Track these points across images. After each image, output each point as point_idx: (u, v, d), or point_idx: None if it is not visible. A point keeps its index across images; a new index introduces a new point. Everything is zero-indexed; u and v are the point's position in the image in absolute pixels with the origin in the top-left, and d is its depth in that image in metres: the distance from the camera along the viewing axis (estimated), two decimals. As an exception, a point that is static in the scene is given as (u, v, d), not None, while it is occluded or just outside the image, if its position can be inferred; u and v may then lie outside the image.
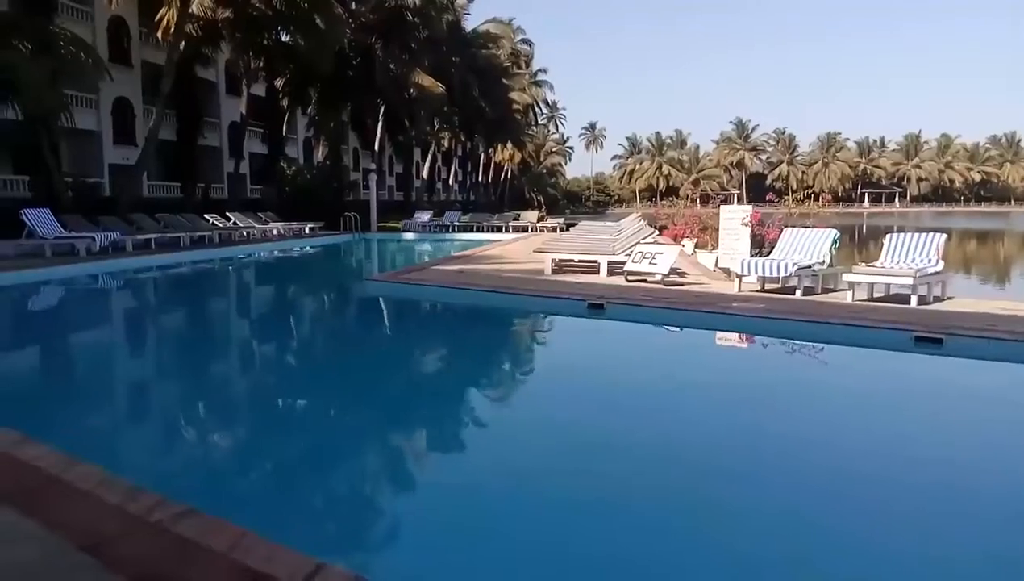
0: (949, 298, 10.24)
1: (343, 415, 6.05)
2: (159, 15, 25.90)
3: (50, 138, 22.06)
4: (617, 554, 3.36)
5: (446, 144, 59.70)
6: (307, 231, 27.05)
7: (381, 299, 12.40)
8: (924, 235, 10.70)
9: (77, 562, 2.53)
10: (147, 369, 8.12)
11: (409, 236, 30.17)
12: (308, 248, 24.57)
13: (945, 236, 10.67)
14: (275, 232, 25.64)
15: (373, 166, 37.87)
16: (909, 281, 9.48)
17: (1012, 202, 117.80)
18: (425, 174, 54.96)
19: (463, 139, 59.65)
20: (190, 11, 25.48)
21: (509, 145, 64.85)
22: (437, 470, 4.71)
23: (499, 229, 31.55)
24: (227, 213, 25.56)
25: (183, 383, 7.28)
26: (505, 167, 72.75)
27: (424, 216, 33.36)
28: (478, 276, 12.85)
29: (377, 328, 11.00)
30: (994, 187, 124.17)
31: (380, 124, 40.04)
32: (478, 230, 31.37)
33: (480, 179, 71.93)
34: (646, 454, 4.76)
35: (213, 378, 7.54)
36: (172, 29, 24.85)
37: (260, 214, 27.30)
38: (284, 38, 30.98)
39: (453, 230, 31.43)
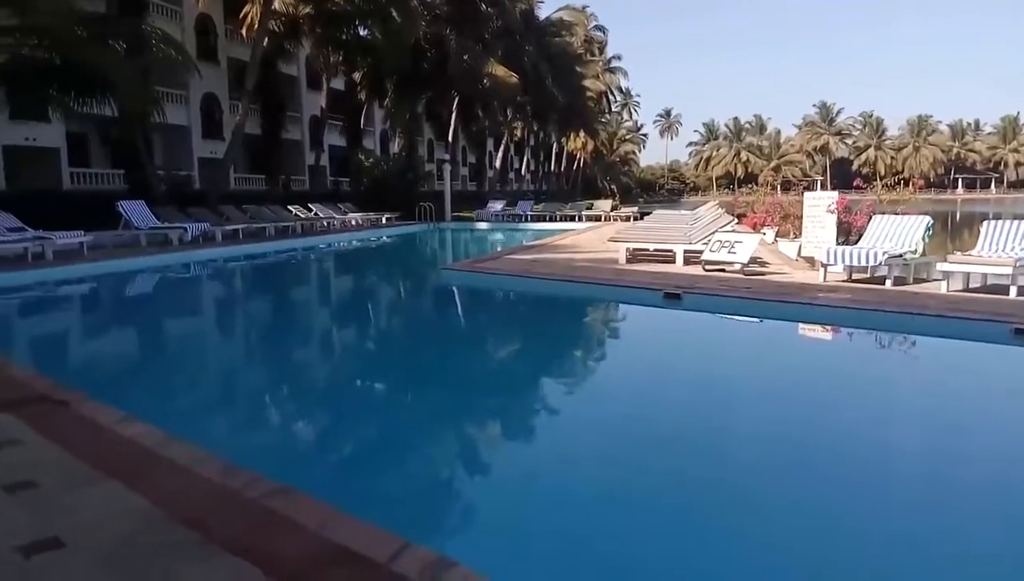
0: (1055, 289, 9.60)
1: (420, 400, 6.17)
2: (243, 12, 26.84)
3: (144, 133, 23.22)
4: (683, 552, 3.31)
5: (519, 134, 59.73)
6: (384, 221, 27.61)
7: (456, 287, 12.56)
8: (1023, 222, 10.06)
9: (179, 534, 2.67)
10: (237, 353, 8.50)
11: (482, 226, 30.36)
12: (385, 238, 25.09)
13: (1049, 223, 9.99)
14: (354, 222, 26.30)
15: (447, 156, 38.36)
16: (1009, 270, 8.93)
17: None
18: (498, 164, 55.20)
19: (535, 128, 59.55)
20: (273, 7, 26.32)
21: (582, 133, 64.32)
22: (508, 459, 4.75)
23: (572, 218, 31.36)
24: (309, 204, 26.35)
25: (272, 367, 7.58)
26: (578, 156, 72.20)
27: (497, 205, 33.50)
28: (551, 265, 12.84)
29: (454, 316, 11.15)
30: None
31: (454, 115, 40.44)
32: (550, 220, 31.26)
33: (552, 168, 71.70)
34: (721, 450, 4.66)
35: (299, 362, 7.82)
36: (256, 25, 25.75)
37: (340, 205, 28.03)
38: (362, 32, 31.64)
39: (525, 220, 31.43)
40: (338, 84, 36.95)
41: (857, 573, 3.12)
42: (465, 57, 36.58)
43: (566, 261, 13.75)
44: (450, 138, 41.91)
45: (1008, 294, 8.96)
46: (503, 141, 54.72)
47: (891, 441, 4.85)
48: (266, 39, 26.57)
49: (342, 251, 21.56)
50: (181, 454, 3.45)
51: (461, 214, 32.94)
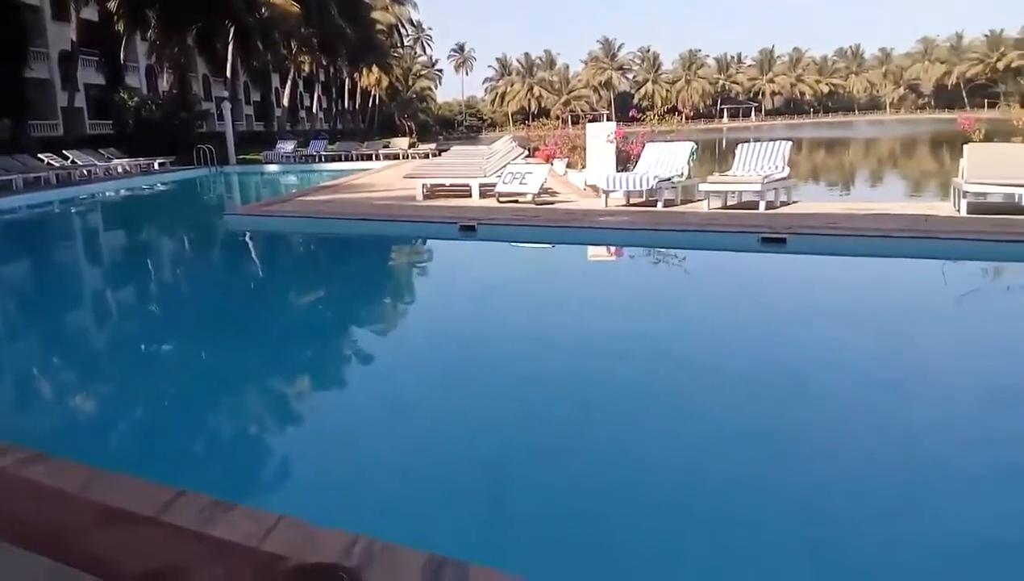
0: (795, 202, 11.02)
1: (210, 355, 5.82)
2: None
3: None
4: (500, 479, 3.48)
5: (307, 69, 56.47)
6: (156, 167, 25.18)
7: (243, 234, 11.84)
8: (771, 144, 11.35)
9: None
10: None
11: (272, 168, 28.80)
12: (159, 185, 22.91)
13: (791, 143, 11.36)
14: (120, 169, 23.69)
15: (226, 94, 35.42)
16: (757, 187, 10.10)
17: (856, 112, 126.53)
18: (286, 102, 52.00)
19: (325, 63, 56.59)
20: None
21: (375, 69, 62.24)
22: (315, 409, 4.67)
23: (369, 157, 30.65)
24: (64, 151, 23.26)
25: (43, 336, 6.74)
26: (372, 92, 69.86)
27: (287, 146, 31.85)
28: (347, 205, 12.51)
29: (240, 265, 10.54)
30: (840, 98, 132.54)
31: (231, 48, 37.20)
32: (346, 159, 30.40)
33: (347, 106, 68.93)
34: (525, 369, 4.90)
35: (68, 329, 7.01)
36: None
37: (102, 151, 25.06)
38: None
39: (320, 160, 30.27)
40: (91, 14, 32.41)
41: (621, 482, 3.46)
42: (239, -17, 33.59)
43: (363, 200, 13.46)
44: (228, 74, 38.64)
45: (758, 208, 10.15)
46: (290, 77, 51.48)
47: (666, 334, 5.37)
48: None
49: (109, 202, 19.42)
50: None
51: (248, 157, 30.90)
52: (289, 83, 51.50)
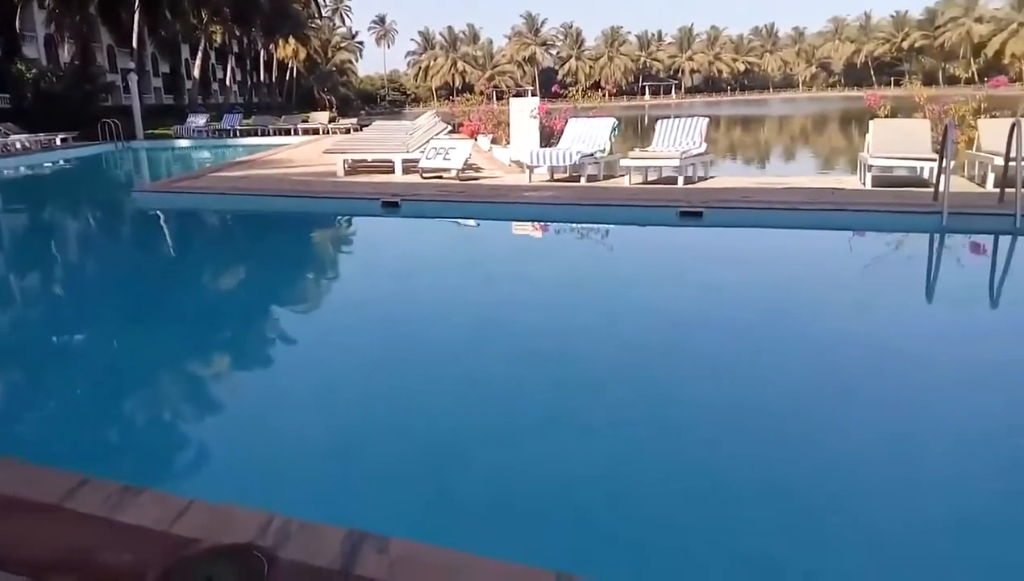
0: (712, 177, 11.33)
1: (119, 339, 5.57)
2: None
3: None
4: (426, 458, 3.47)
5: (219, 39, 54.08)
6: (59, 143, 23.70)
7: (152, 212, 11.31)
8: (688, 120, 11.60)
9: None
10: None
11: (183, 143, 27.62)
12: (62, 161, 21.61)
13: (707, 120, 11.63)
14: (19, 145, 22.17)
15: (132, 65, 33.61)
16: (676, 162, 10.32)
17: (771, 90, 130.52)
18: (197, 74, 49.70)
19: (238, 34, 54.30)
20: None
21: (291, 40, 60.16)
22: (233, 392, 4.54)
23: (287, 132, 29.81)
24: (-47, 126, 21.63)
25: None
26: (290, 65, 67.60)
27: (199, 120, 30.55)
28: (263, 181, 12.13)
29: (150, 244, 10.06)
30: (756, 76, 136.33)
31: (136, 16, 35.25)
32: (263, 134, 29.46)
33: (262, 79, 66.51)
34: (451, 346, 4.89)
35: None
36: None
37: (-3, 125, 23.41)
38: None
39: (234, 135, 29.23)
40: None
41: (546, 456, 3.52)
42: (142, -52, 31.80)
43: (280, 176, 13.06)
44: (135, 44, 36.62)
45: (677, 183, 10.38)
46: (200, 48, 49.22)
47: (590, 318, 5.45)
48: None
49: (7, 180, 18.23)
50: None
51: (157, 132, 29.48)
52: (200, 54, 49.20)
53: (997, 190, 7.73)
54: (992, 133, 9.06)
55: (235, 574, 1.82)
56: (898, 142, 9.75)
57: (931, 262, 7.27)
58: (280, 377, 4.49)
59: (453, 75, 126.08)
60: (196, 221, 11.03)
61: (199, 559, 1.85)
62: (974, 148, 9.92)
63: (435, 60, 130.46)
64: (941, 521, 2.65)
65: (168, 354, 4.91)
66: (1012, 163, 7.06)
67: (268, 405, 3.95)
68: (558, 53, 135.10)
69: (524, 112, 14.19)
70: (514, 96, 21.31)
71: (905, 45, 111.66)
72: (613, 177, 11.60)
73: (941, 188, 7.15)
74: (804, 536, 2.59)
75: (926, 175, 9.20)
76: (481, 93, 40.10)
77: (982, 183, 9.27)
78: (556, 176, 11.70)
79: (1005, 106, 12.22)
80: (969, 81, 49.63)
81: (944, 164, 7.20)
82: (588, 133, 11.94)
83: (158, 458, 3.46)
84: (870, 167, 9.62)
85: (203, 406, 4.25)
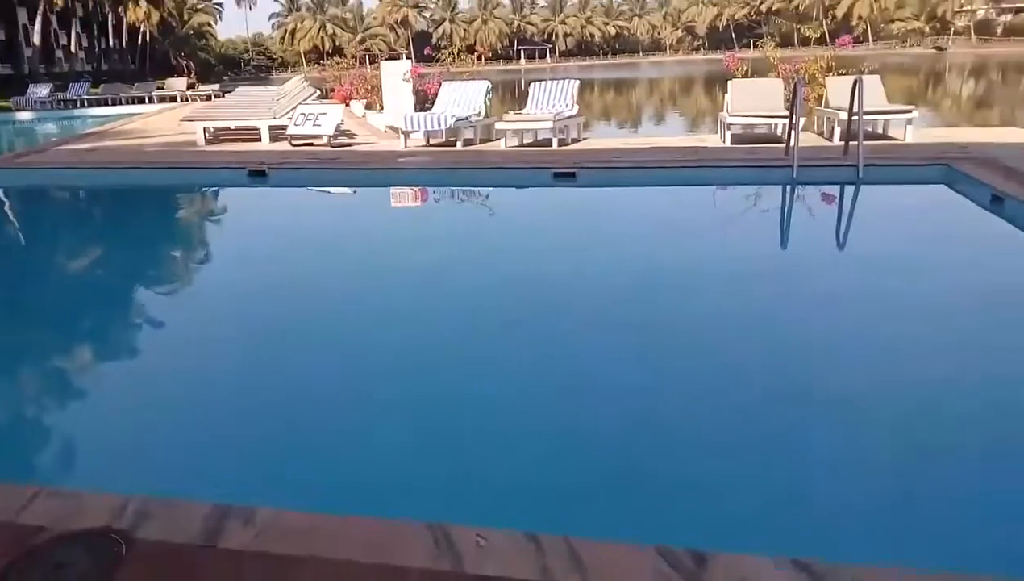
0: (585, 139, 11.56)
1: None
2: None
3: None
4: (297, 431, 3.40)
5: (60, 2, 49.35)
6: None
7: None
8: (560, 82, 11.74)
9: None
10: None
11: (25, 116, 25.16)
12: None
13: (578, 82, 11.81)
14: None
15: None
16: (549, 124, 10.45)
17: (640, 53, 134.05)
18: (37, 40, 45.30)
19: (80, -6, 49.85)
20: None
21: (142, 2, 55.81)
22: (91, 380, 4.26)
23: (141, 101, 27.87)
24: None
25: None
26: (142, 29, 62.72)
27: (42, 91, 27.90)
28: (116, 153, 11.29)
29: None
30: (626, 40, 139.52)
31: (-45, -27, 31.57)
32: (114, 103, 27.41)
33: (112, 45, 61.46)
34: (327, 318, 4.78)
35: None
36: None
37: None
38: None
39: (82, 105, 26.96)
40: None
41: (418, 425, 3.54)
42: None
43: (134, 147, 12.20)
44: (-44, 5, 32.86)
45: (551, 145, 10.53)
46: (39, 11, 44.74)
47: (469, 280, 5.48)
48: None
49: None
50: None
51: (-8, 103, 26.74)
52: (39, 18, 44.77)
53: (843, 144, 8.35)
54: (839, 90, 9.75)
55: (90, 559, 1.73)
56: (754, 101, 10.30)
57: (783, 211, 7.79)
58: (144, 363, 4.25)
59: (322, 38, 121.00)
60: (43, 200, 10.12)
61: (48, 547, 1.74)
62: (823, 104, 10.63)
63: (302, 22, 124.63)
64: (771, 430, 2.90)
65: (15, 343, 4.53)
66: (855, 117, 7.64)
67: (130, 394, 3.73)
68: (431, 16, 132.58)
69: (397, 76, 13.88)
70: (387, 60, 20.82)
71: (764, 8, 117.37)
72: (490, 141, 11.61)
73: (792, 143, 7.65)
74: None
75: (779, 132, 9.79)
76: (352, 57, 38.87)
77: (830, 137, 9.97)
78: (433, 141, 11.57)
79: (852, 65, 13.11)
80: (820, 42, 52.89)
81: (794, 120, 7.69)
82: (463, 97, 11.84)
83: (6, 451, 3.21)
84: (729, 125, 10.14)
85: (57, 397, 3.97)
